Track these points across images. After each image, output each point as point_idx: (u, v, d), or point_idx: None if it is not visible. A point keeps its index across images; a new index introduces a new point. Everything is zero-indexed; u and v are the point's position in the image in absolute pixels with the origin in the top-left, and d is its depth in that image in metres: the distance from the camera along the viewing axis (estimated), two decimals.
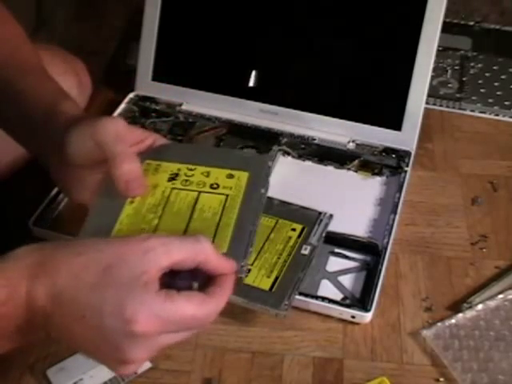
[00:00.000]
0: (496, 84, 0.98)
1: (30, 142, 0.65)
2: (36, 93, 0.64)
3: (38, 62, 0.68)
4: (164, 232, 0.56)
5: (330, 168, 0.84)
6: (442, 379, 0.64)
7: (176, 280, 0.51)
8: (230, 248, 0.55)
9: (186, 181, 0.61)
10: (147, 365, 0.64)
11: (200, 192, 0.59)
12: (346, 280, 0.72)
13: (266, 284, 0.66)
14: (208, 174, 0.61)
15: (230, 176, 0.61)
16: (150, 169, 0.61)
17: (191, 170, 0.61)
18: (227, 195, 0.59)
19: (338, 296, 0.70)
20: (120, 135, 0.57)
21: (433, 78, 0.89)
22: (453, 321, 0.68)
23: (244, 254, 0.55)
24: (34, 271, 0.50)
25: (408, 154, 0.84)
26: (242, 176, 0.61)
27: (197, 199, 0.59)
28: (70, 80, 0.84)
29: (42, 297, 0.50)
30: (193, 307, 0.50)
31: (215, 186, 0.60)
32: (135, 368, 0.52)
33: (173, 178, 0.61)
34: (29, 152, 0.68)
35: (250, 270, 0.58)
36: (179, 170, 0.61)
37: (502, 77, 1.00)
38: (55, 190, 0.78)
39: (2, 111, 0.66)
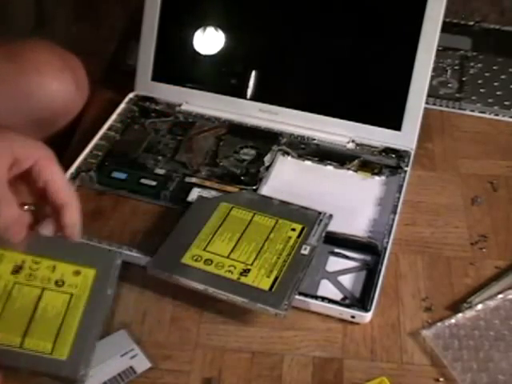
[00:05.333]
0: (496, 84, 0.98)
1: None
2: None
3: None
4: (3, 333, 0.57)
5: (330, 168, 0.84)
6: (441, 379, 0.64)
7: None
8: (70, 355, 0.57)
9: (31, 275, 0.61)
10: (147, 365, 0.64)
11: (44, 289, 0.60)
12: (346, 280, 0.72)
13: (265, 284, 0.66)
14: (54, 269, 0.62)
15: (77, 273, 0.62)
16: None
17: (37, 263, 0.62)
18: (72, 294, 0.60)
19: (338, 296, 0.70)
20: None
21: (433, 77, 0.89)
22: (452, 321, 0.68)
23: (86, 361, 0.57)
24: None
25: (408, 153, 0.84)
26: (89, 273, 0.62)
27: (40, 296, 0.59)
28: (68, 77, 0.84)
29: None
30: None
31: (60, 283, 0.61)
32: None
33: (17, 270, 0.61)
34: None
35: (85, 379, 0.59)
36: (24, 261, 0.62)
37: (502, 77, 1.00)
38: None
39: None
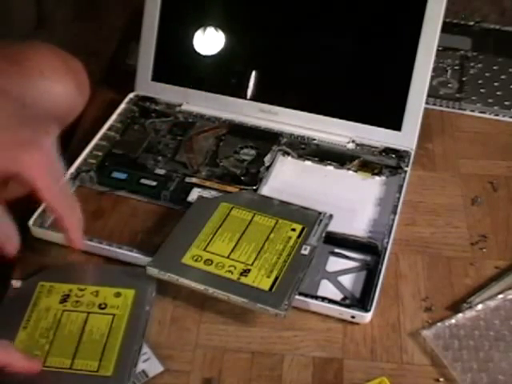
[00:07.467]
0: (496, 84, 0.98)
1: None
2: None
3: None
4: (55, 357, 0.62)
5: (330, 168, 0.84)
6: (441, 379, 0.64)
7: None
8: (114, 371, 0.61)
9: (77, 302, 0.67)
10: (159, 368, 0.64)
11: (89, 313, 0.65)
12: (346, 280, 0.72)
13: (265, 284, 0.66)
14: (97, 294, 0.67)
15: (118, 294, 0.67)
16: (43, 291, 0.68)
17: (82, 290, 0.68)
18: (114, 315, 0.65)
19: (338, 296, 0.70)
20: None
21: (433, 78, 0.89)
22: (453, 321, 0.68)
23: (128, 376, 0.61)
24: None
25: (408, 154, 0.84)
26: (129, 294, 0.68)
27: (86, 320, 0.65)
28: (70, 81, 0.84)
29: None
30: None
31: (103, 305, 0.66)
32: None
33: (64, 299, 0.67)
34: None
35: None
36: (71, 290, 0.68)
37: (502, 77, 0.99)
38: None
39: None
